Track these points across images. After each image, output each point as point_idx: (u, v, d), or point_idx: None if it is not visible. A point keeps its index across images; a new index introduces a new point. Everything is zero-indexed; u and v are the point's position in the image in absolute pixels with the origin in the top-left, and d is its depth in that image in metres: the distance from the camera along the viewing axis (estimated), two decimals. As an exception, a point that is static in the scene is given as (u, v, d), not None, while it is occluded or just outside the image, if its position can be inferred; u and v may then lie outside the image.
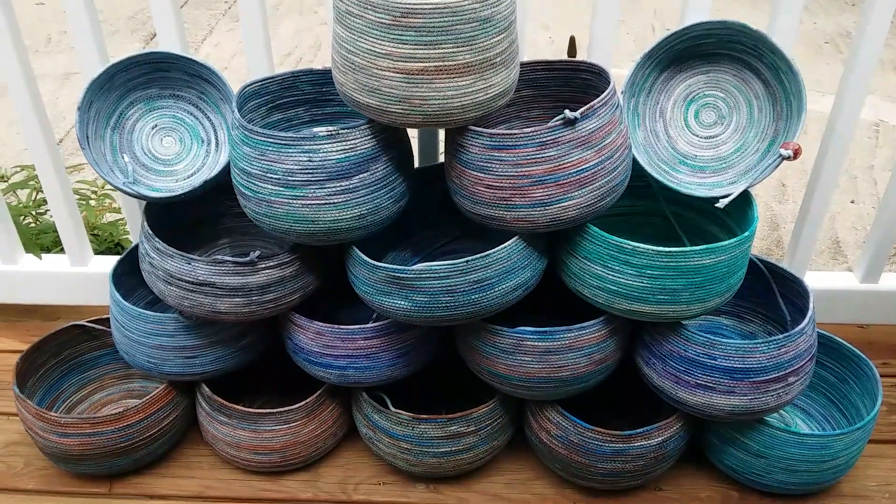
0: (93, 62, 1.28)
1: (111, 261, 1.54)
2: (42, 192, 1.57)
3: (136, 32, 3.85)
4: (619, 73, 1.09)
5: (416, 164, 1.26)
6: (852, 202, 2.59)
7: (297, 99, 1.22)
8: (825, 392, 1.34)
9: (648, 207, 1.30)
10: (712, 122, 1.19)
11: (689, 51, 1.15)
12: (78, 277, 1.53)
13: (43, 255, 1.56)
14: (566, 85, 1.18)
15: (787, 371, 1.12)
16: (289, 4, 4.15)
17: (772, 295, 1.29)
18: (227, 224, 1.39)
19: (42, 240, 1.73)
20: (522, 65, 1.15)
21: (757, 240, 2.42)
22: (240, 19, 1.26)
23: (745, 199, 1.14)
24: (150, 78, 1.23)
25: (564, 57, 1.42)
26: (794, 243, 1.46)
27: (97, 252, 1.79)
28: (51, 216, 1.80)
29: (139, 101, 1.24)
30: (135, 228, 1.44)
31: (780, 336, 1.11)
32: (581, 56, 1.32)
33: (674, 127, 1.19)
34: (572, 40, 1.40)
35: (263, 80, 1.18)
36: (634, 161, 1.13)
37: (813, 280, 1.49)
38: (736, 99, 1.17)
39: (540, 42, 3.70)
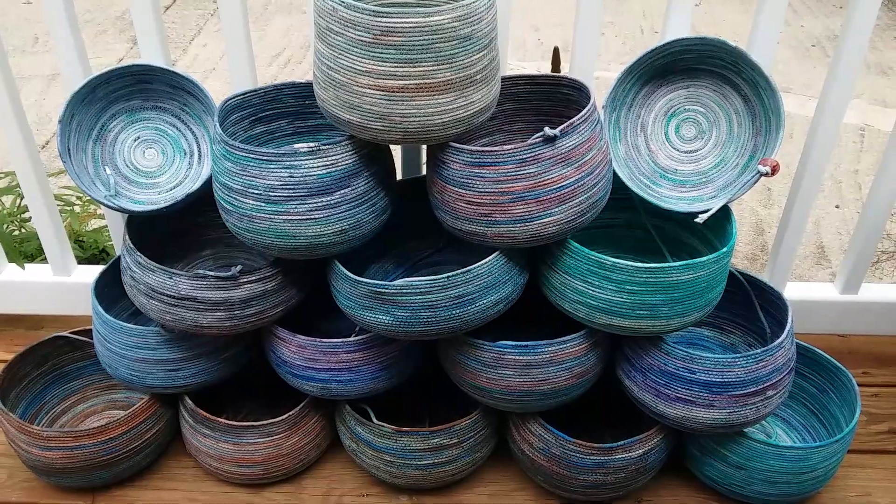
0: (73, 64, 1.26)
1: (94, 271, 1.54)
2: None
3: (123, 33, 3.83)
4: (606, 75, 1.09)
5: (399, 177, 1.27)
6: (837, 207, 2.61)
7: (280, 111, 1.22)
8: (805, 402, 1.35)
9: (629, 219, 1.31)
10: (693, 137, 1.19)
11: (669, 66, 1.16)
12: (61, 287, 1.53)
13: (26, 265, 1.55)
14: (548, 99, 1.18)
15: (766, 385, 1.13)
16: (278, 3, 4.14)
17: (752, 307, 1.30)
18: (209, 235, 1.38)
19: (26, 248, 1.72)
20: (504, 79, 1.16)
21: (742, 245, 2.43)
22: (222, 25, 1.24)
23: (724, 214, 1.15)
24: (132, 90, 1.23)
25: (552, 61, 1.42)
26: (776, 249, 1.46)
27: (81, 259, 1.78)
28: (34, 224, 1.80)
29: (121, 112, 1.24)
30: (118, 239, 1.44)
31: (759, 350, 1.12)
32: (565, 62, 1.32)
33: (655, 141, 1.20)
34: (556, 52, 1.40)
35: (245, 93, 1.17)
36: (615, 174, 1.14)
37: (794, 291, 1.51)
38: (716, 114, 1.17)
39: (529, 43, 3.70)
